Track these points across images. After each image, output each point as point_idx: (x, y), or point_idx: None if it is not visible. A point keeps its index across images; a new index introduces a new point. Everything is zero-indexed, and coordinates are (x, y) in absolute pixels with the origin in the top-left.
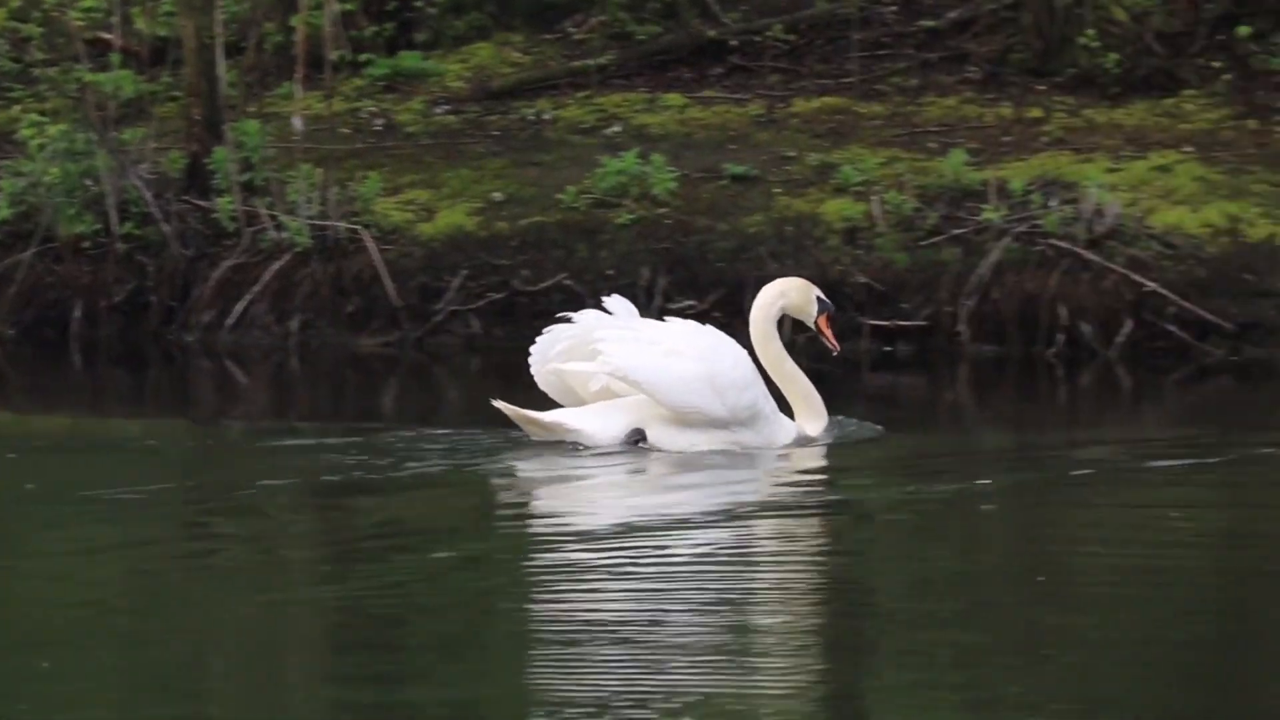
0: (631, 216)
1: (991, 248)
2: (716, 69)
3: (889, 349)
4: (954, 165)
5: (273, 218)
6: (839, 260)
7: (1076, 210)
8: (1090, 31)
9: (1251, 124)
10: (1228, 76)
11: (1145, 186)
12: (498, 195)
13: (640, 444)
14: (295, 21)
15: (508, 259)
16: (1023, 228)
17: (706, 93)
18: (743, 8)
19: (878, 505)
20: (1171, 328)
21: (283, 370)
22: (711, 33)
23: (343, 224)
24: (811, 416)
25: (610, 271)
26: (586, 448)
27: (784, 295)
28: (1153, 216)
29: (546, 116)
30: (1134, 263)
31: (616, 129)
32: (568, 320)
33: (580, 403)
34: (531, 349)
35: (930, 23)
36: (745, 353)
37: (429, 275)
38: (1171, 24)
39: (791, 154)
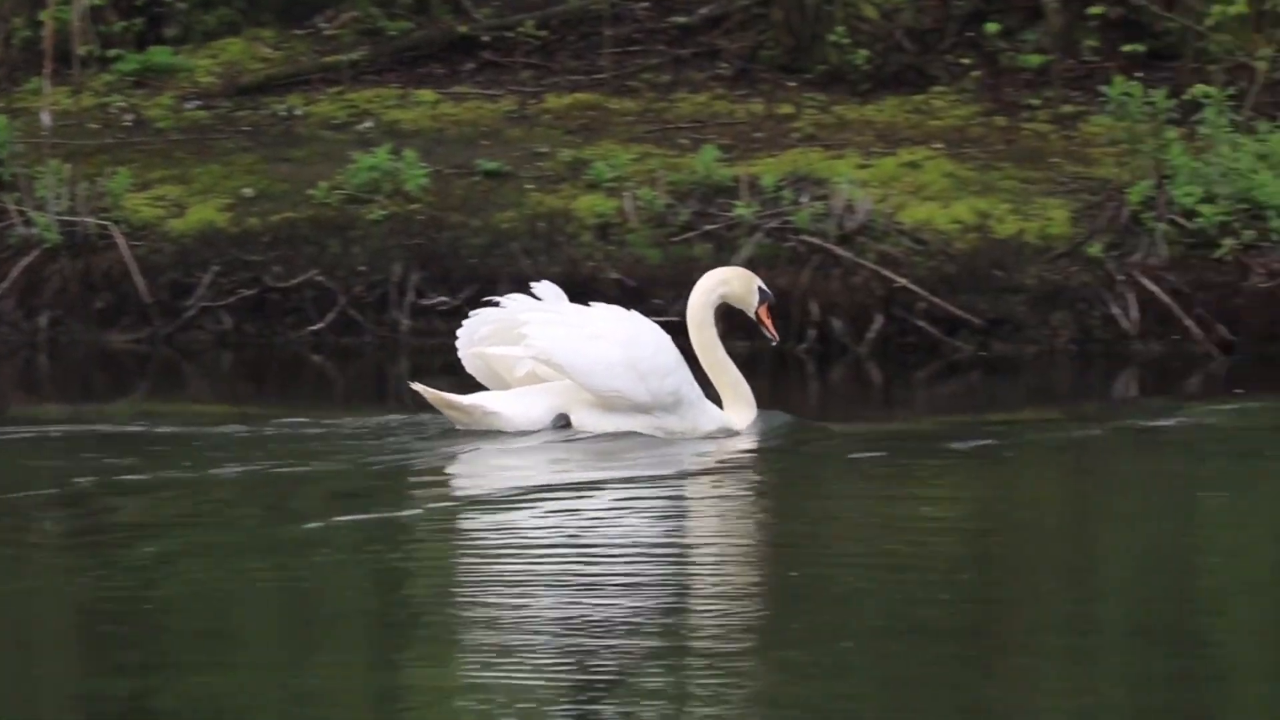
0: (384, 213)
1: (743, 244)
2: (468, 65)
3: None
4: (706, 161)
5: (21, 213)
6: (591, 256)
7: (827, 206)
8: (840, 29)
9: (1000, 121)
10: (977, 73)
11: (895, 183)
12: (249, 191)
13: (565, 429)
14: (43, 16)
15: (259, 255)
16: (774, 224)
17: (458, 89)
18: (494, 3)
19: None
20: (921, 323)
21: (31, 366)
22: (463, 29)
23: (92, 220)
24: (740, 406)
25: (363, 268)
26: (505, 431)
27: (725, 283)
28: (903, 213)
29: (298, 112)
30: (884, 259)
31: (368, 125)
32: (495, 304)
33: (506, 387)
34: (459, 332)
35: (682, 19)
36: (669, 339)
37: (180, 271)
38: (921, 21)
39: (544, 150)
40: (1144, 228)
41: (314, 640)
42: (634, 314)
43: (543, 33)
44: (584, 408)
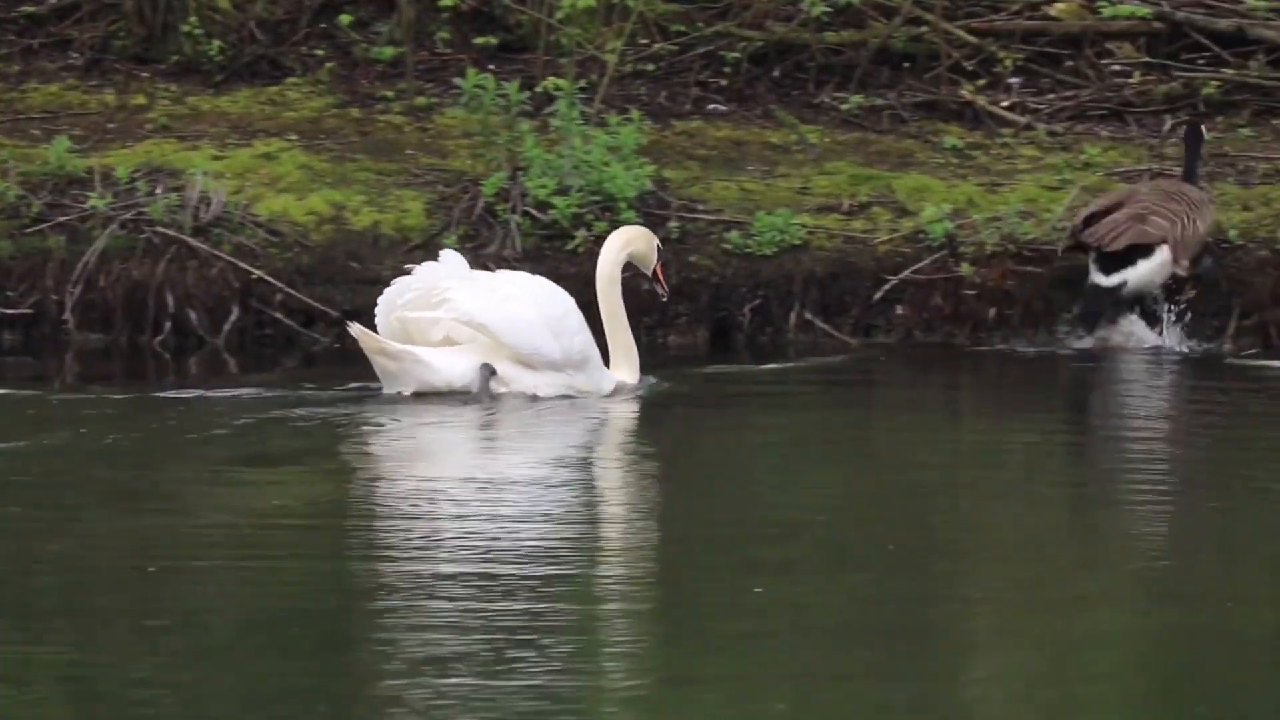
0: None
1: (98, 235)
2: None
3: None
4: (58, 152)
5: None
6: None
7: (182, 198)
8: (193, 19)
9: (355, 112)
10: (331, 64)
11: (251, 174)
12: None
13: (491, 379)
14: None
15: None
16: (129, 215)
17: None
18: None
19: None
20: (279, 315)
21: None
22: None
23: None
24: (629, 366)
25: None
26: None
27: (632, 242)
28: (259, 205)
29: None
30: (240, 250)
31: None
32: (408, 273)
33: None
34: (379, 300)
35: (31, 9)
36: (573, 301)
37: None
38: (274, 11)
39: None
40: (499, 220)
41: None
42: (540, 278)
43: None
44: (502, 366)
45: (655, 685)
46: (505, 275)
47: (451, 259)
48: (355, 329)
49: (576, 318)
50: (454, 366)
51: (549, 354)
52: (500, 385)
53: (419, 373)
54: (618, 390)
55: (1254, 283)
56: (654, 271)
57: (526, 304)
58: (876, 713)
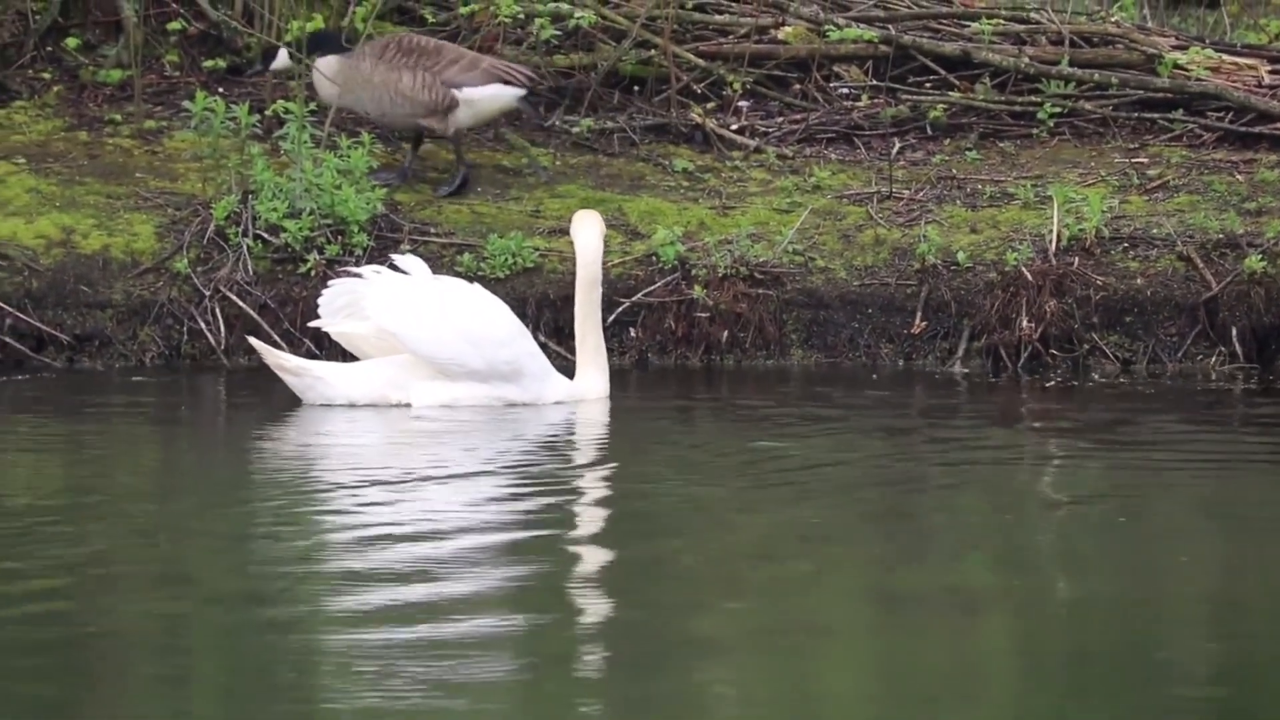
0: None
1: None
2: None
3: None
4: None
5: None
6: None
7: None
8: None
9: (83, 135)
10: (58, 87)
11: None
12: None
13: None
14: None
15: None
16: None
17: None
18: None
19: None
20: (8, 339)
21: None
22: None
23: None
24: (594, 372)
25: None
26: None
27: (603, 232)
28: None
29: None
30: None
31: None
32: (355, 275)
33: (368, 357)
34: (319, 301)
35: None
36: (507, 310)
37: None
38: (0, 36)
39: None
40: (230, 243)
41: None
42: (475, 286)
43: None
44: (423, 380)
45: None
46: (436, 282)
47: (411, 264)
48: (256, 344)
49: (506, 326)
50: (354, 382)
51: (467, 363)
52: (416, 397)
53: (320, 388)
54: (574, 399)
55: (983, 305)
56: None
57: (446, 312)
58: None
